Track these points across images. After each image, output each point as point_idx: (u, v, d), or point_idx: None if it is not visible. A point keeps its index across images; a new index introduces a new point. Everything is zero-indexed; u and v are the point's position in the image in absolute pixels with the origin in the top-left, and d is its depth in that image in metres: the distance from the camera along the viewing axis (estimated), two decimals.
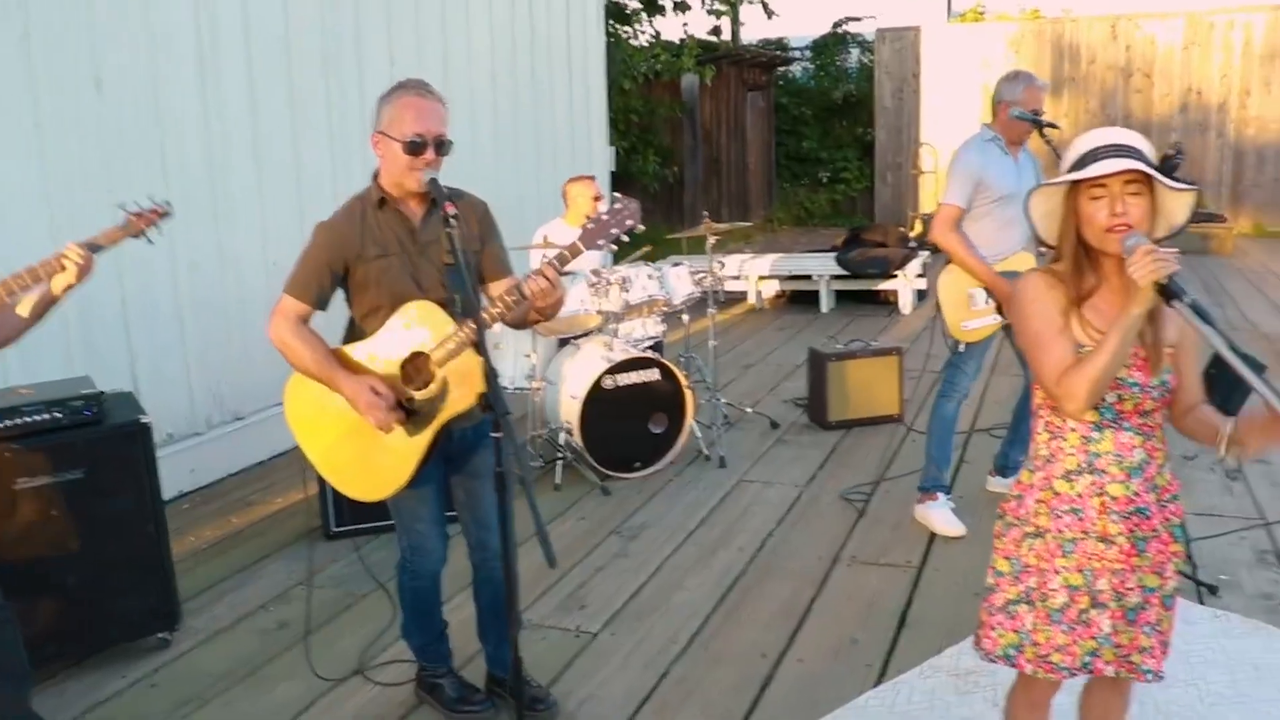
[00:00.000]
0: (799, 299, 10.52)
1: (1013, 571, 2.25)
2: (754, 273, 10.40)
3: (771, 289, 10.52)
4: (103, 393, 3.72)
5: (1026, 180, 4.34)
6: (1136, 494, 2.18)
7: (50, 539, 3.52)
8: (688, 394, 5.58)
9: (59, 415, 3.52)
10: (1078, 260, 2.13)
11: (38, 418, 3.48)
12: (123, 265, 5.13)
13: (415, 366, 2.91)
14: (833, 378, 6.18)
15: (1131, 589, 2.19)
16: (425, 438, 2.94)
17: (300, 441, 3.00)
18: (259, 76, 5.87)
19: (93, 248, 2.79)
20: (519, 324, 3.13)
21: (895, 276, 9.81)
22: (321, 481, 4.67)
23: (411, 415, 2.91)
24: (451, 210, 2.67)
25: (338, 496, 4.70)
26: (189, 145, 5.46)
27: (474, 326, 2.81)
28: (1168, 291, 1.96)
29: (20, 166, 4.64)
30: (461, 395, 2.87)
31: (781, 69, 18.11)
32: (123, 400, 3.91)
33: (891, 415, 6.26)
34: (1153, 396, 2.14)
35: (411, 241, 2.95)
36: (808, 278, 10.21)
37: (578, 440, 5.38)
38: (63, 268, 2.74)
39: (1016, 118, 4.35)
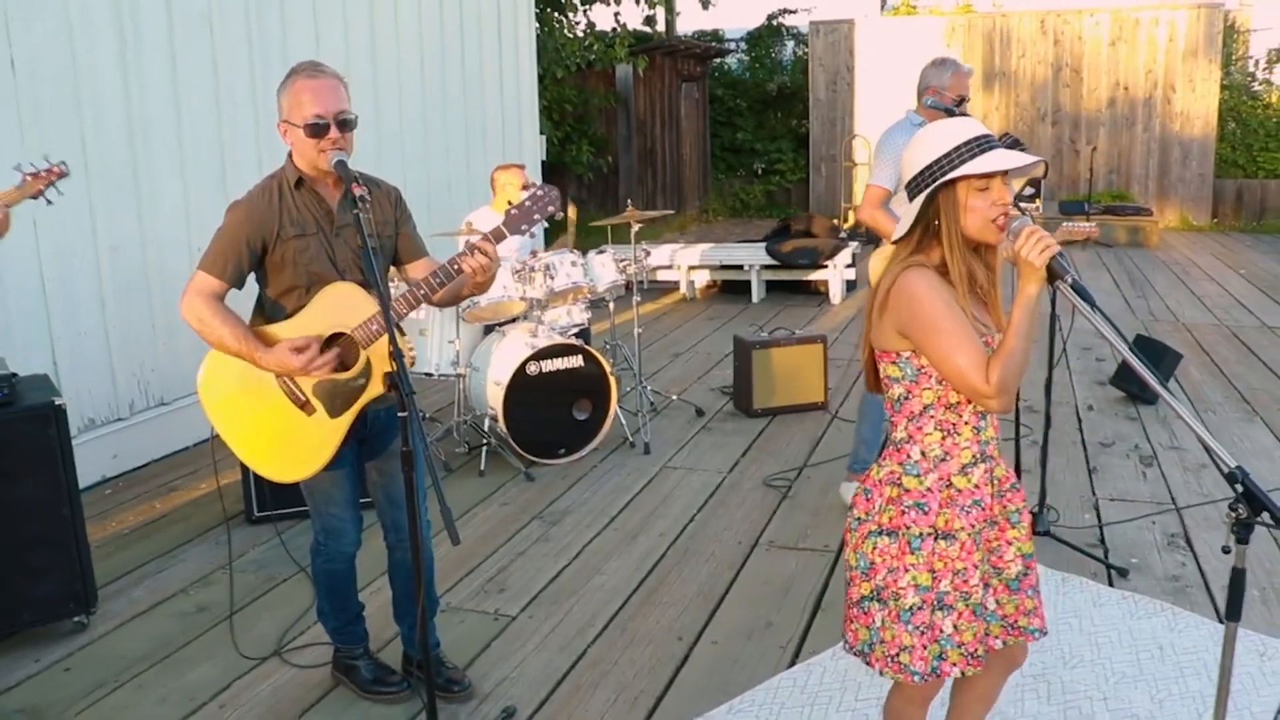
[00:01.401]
0: (730, 289, 10.63)
1: (932, 583, 2.20)
2: (685, 262, 10.48)
3: (703, 279, 10.61)
4: (15, 374, 3.68)
5: None
6: (1008, 471, 2.30)
7: None
8: (612, 380, 5.65)
9: None
10: (966, 254, 2.15)
11: None
12: (43, 249, 5.06)
13: (335, 347, 2.93)
14: (758, 365, 6.28)
15: (1011, 560, 2.28)
16: (347, 419, 2.97)
17: (216, 424, 3.00)
18: (181, 56, 5.79)
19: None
20: (451, 301, 3.17)
21: (825, 267, 9.95)
22: (244, 467, 4.65)
23: (332, 397, 2.93)
24: (358, 190, 2.70)
25: (259, 481, 4.70)
26: (110, 128, 5.38)
27: (399, 305, 2.87)
28: (1052, 271, 2.04)
29: None
30: (383, 374, 2.90)
31: (716, 60, 18.21)
32: (38, 383, 3.87)
33: (816, 403, 6.38)
34: None
35: (328, 223, 2.97)
36: (739, 268, 10.31)
37: (502, 426, 5.42)
38: None
39: (930, 106, 4.45)
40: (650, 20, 15.35)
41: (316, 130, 2.83)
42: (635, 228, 6.13)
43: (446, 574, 4.22)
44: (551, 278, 5.68)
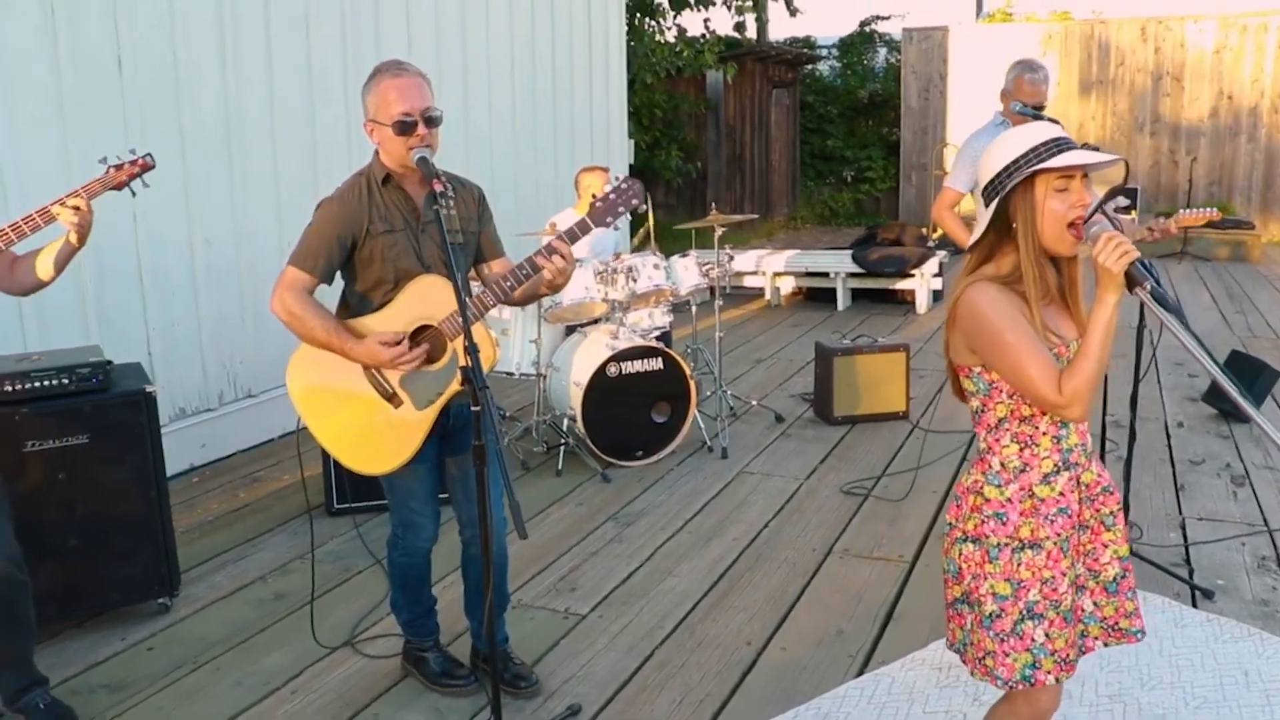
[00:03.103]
0: (816, 296, 10.53)
1: (1013, 591, 2.17)
2: (770, 269, 10.41)
3: (788, 286, 10.54)
4: (110, 362, 3.80)
5: None
6: (1099, 475, 2.25)
7: (56, 501, 3.61)
8: (691, 384, 5.63)
9: (67, 381, 3.60)
10: (1041, 261, 2.10)
11: (47, 383, 3.57)
12: (140, 241, 5.24)
13: (421, 340, 2.97)
14: (839, 372, 6.20)
15: (1108, 563, 2.25)
16: (433, 411, 3.00)
17: (304, 416, 3.03)
18: (277, 56, 5.94)
19: (80, 199, 2.87)
20: (528, 300, 3.21)
21: (912, 276, 9.79)
22: (325, 459, 4.76)
23: (418, 389, 2.97)
24: (439, 187, 2.73)
25: (340, 474, 4.79)
26: (207, 124, 5.55)
27: (485, 299, 2.93)
28: (1131, 279, 1.99)
29: (43, 145, 4.73)
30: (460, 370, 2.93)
31: (808, 67, 18.08)
32: (131, 370, 4.00)
33: (897, 412, 6.28)
34: None
35: (414, 219, 3.02)
36: (825, 275, 10.21)
37: (580, 427, 5.44)
38: (50, 220, 2.82)
39: (1018, 113, 4.40)
40: (740, 27, 15.30)
41: (405, 128, 2.87)
42: (719, 231, 6.11)
43: (519, 571, 4.24)
44: (634, 280, 5.69)
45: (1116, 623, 2.29)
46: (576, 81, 9.19)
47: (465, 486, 3.21)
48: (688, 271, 5.99)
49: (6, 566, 3.06)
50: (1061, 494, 2.17)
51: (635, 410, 5.53)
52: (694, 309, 6.33)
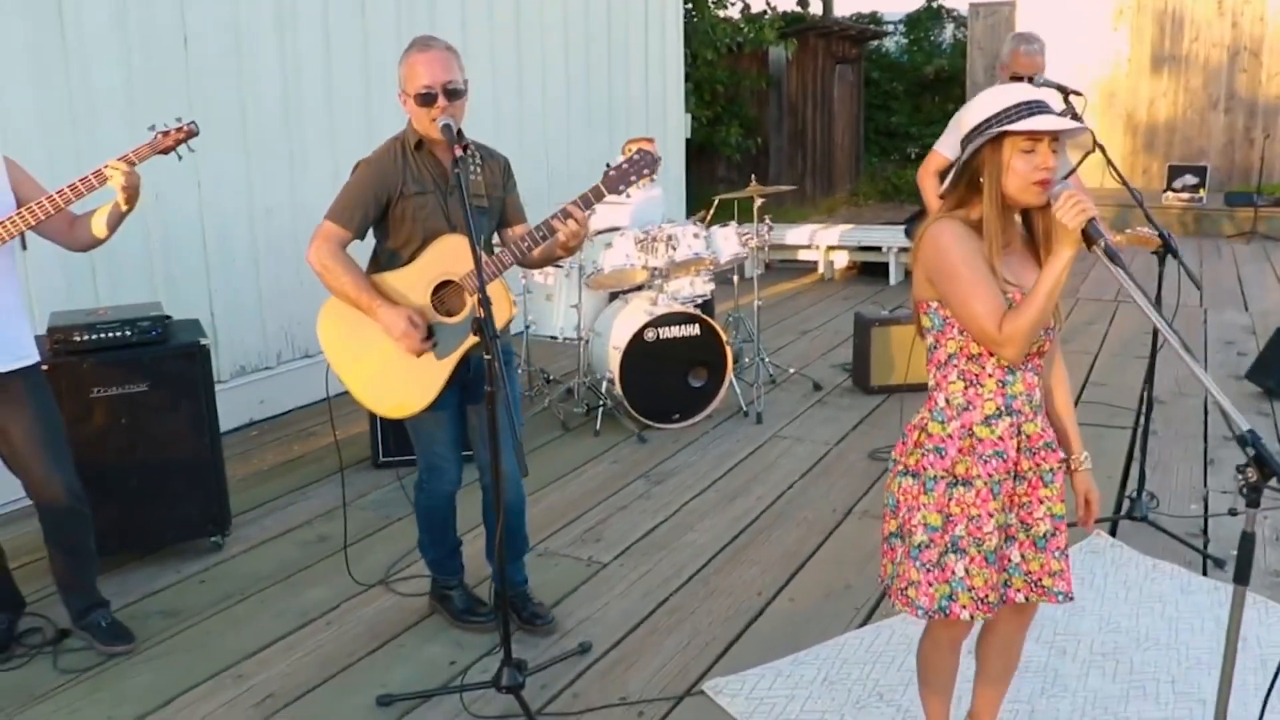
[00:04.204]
0: (870, 271, 10.57)
1: (942, 524, 2.30)
2: (824, 243, 10.48)
3: (842, 260, 10.59)
4: (169, 316, 4.09)
5: None
6: (1043, 430, 2.34)
7: (118, 444, 3.92)
8: (728, 350, 5.79)
9: (129, 334, 3.90)
10: (1002, 211, 2.21)
11: (110, 334, 3.87)
12: (205, 209, 5.55)
13: (444, 295, 3.19)
14: (876, 342, 6.31)
15: (1040, 519, 2.34)
16: (451, 361, 3.21)
17: (331, 360, 3.25)
18: (335, 33, 6.20)
19: (129, 163, 3.13)
20: (545, 262, 3.41)
21: None
22: (371, 416, 5.03)
23: (439, 340, 3.20)
24: (458, 152, 2.93)
25: (385, 430, 5.06)
26: (267, 100, 5.83)
27: (503, 257, 3.15)
28: (1088, 236, 2.10)
29: (113, 119, 5.03)
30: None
31: (873, 43, 17.96)
32: (189, 325, 4.29)
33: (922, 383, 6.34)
34: (1049, 339, 2.30)
35: (444, 182, 3.23)
36: (877, 249, 10.25)
37: (618, 389, 5.63)
38: (104, 180, 3.09)
39: (1039, 85, 4.43)
40: (804, 2, 15.26)
41: (426, 99, 3.08)
42: (758, 202, 6.24)
43: (550, 522, 4.47)
44: (674, 248, 5.85)
45: (1040, 579, 2.37)
46: (632, 58, 9.34)
47: (483, 433, 3.41)
48: (727, 241, 6.13)
49: (70, 500, 3.36)
50: (1000, 438, 2.28)
51: (672, 374, 5.71)
52: (736, 280, 6.47)
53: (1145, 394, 4.30)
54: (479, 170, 3.29)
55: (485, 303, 2.77)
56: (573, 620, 3.63)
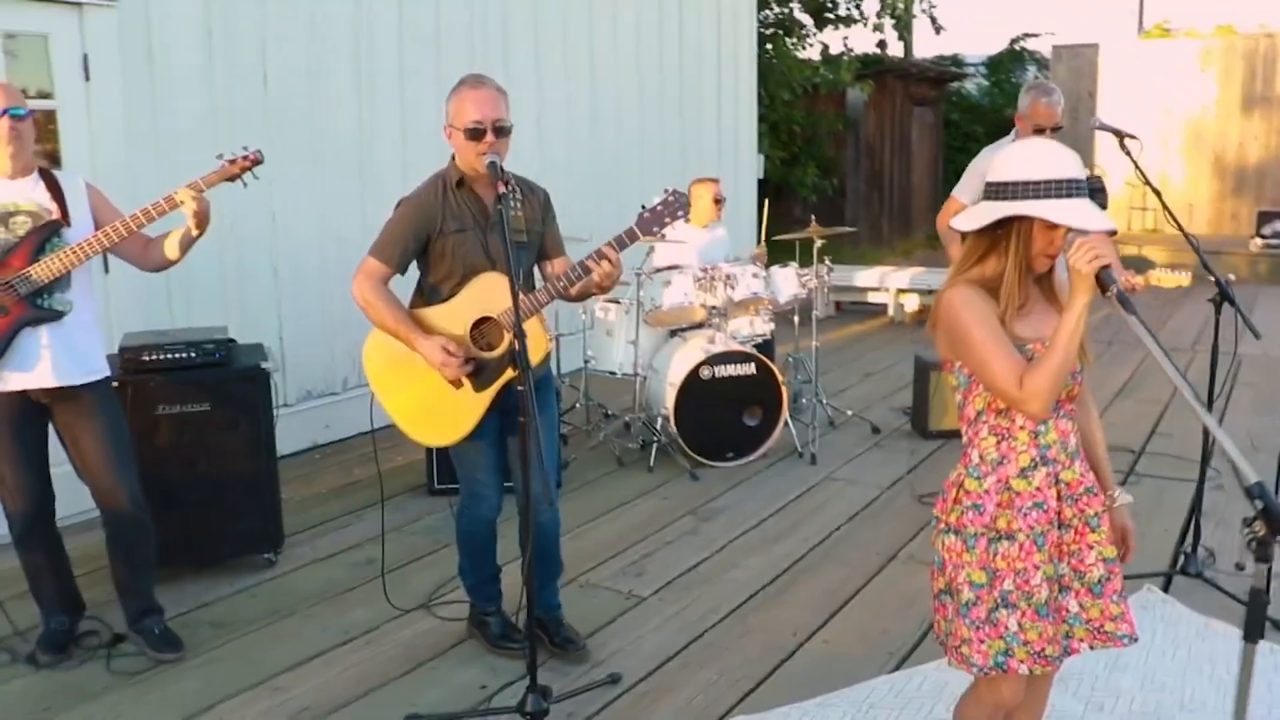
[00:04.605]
0: None
1: (988, 580, 2.28)
2: (894, 285, 10.44)
3: (913, 303, 10.53)
4: (233, 340, 4.26)
5: None
6: (1082, 475, 2.32)
7: (181, 460, 4.10)
8: (784, 390, 5.80)
9: (193, 355, 4.08)
10: (1024, 278, 2.23)
11: (177, 355, 4.05)
12: (277, 239, 5.76)
13: (482, 330, 3.29)
14: (935, 386, 6.26)
15: (1092, 565, 2.32)
16: (489, 393, 3.32)
17: (376, 391, 3.40)
18: (409, 73, 6.41)
19: (197, 189, 3.30)
20: (583, 297, 3.48)
21: None
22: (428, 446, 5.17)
23: (478, 373, 3.29)
24: (502, 189, 3.02)
25: (440, 458, 5.17)
26: (341, 134, 6.06)
27: (541, 295, 3.24)
28: (1101, 282, 2.10)
29: (197, 152, 5.25)
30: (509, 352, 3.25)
31: (955, 85, 17.86)
32: (252, 349, 4.45)
33: None
34: (1078, 382, 2.30)
35: (484, 218, 3.34)
36: None
37: (673, 426, 5.68)
38: (174, 205, 3.27)
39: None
40: (882, 44, 15.29)
41: (475, 134, 3.20)
42: (818, 243, 6.26)
43: (595, 554, 4.52)
44: (732, 288, 5.90)
45: (1102, 625, 2.35)
46: (705, 99, 9.44)
47: (500, 463, 3.53)
48: (787, 282, 6.16)
49: (132, 508, 3.53)
50: (1038, 489, 2.27)
51: (727, 413, 5.74)
52: (797, 321, 6.49)
53: (1205, 447, 4.22)
54: (519, 205, 3.39)
55: (519, 334, 2.86)
56: (605, 651, 3.66)
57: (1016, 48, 17.57)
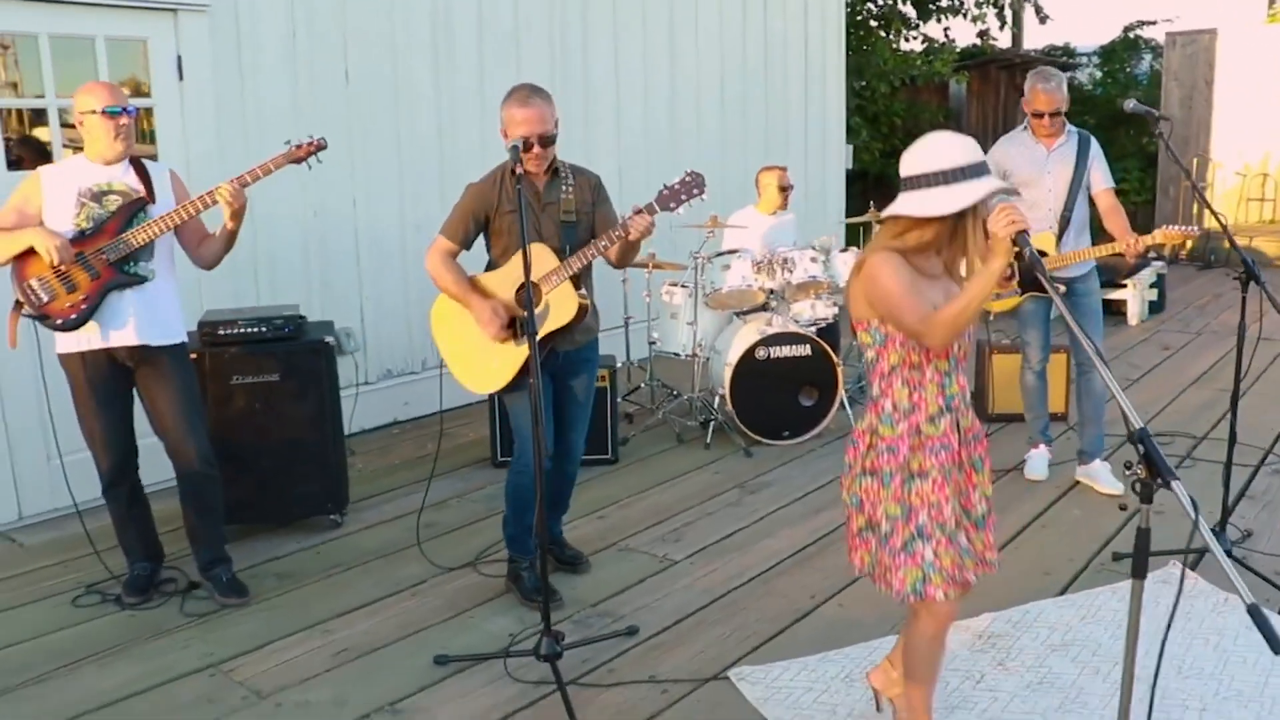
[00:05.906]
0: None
1: (903, 514, 2.57)
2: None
3: None
4: (303, 317, 4.64)
5: (1053, 168, 4.83)
6: (973, 422, 2.61)
7: (253, 427, 4.47)
8: (839, 371, 5.94)
9: (264, 330, 4.46)
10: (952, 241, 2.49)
11: (249, 330, 4.44)
12: (359, 224, 6.15)
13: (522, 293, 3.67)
14: (996, 370, 6.30)
15: (977, 502, 2.62)
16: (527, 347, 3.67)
17: (439, 344, 3.95)
18: (489, 69, 6.74)
19: (241, 183, 3.64)
20: (625, 260, 3.88)
21: (1124, 286, 9.50)
22: (493, 423, 5.52)
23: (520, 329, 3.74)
24: (519, 170, 3.46)
25: (503, 433, 5.49)
26: (421, 128, 6.41)
27: (574, 262, 3.67)
28: (1017, 244, 2.33)
29: (277, 141, 5.66)
30: (559, 315, 3.71)
31: (1066, 75, 17.41)
32: (321, 325, 4.83)
33: (1055, 413, 6.28)
34: (970, 342, 2.60)
35: (537, 201, 3.78)
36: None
37: (729, 405, 5.87)
38: (214, 201, 3.63)
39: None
40: (984, 34, 15.08)
41: (523, 148, 3.62)
42: (877, 228, 6.35)
43: (637, 522, 4.77)
44: (789, 271, 6.06)
45: (985, 555, 2.67)
46: (791, 93, 9.52)
47: (558, 417, 3.94)
48: (846, 266, 6.28)
49: (202, 465, 3.92)
50: (944, 433, 2.55)
51: (782, 393, 5.90)
52: None
53: (1231, 424, 4.23)
54: (570, 189, 3.82)
55: (529, 302, 3.22)
56: (628, 608, 3.90)
57: (1130, 35, 17.03)
